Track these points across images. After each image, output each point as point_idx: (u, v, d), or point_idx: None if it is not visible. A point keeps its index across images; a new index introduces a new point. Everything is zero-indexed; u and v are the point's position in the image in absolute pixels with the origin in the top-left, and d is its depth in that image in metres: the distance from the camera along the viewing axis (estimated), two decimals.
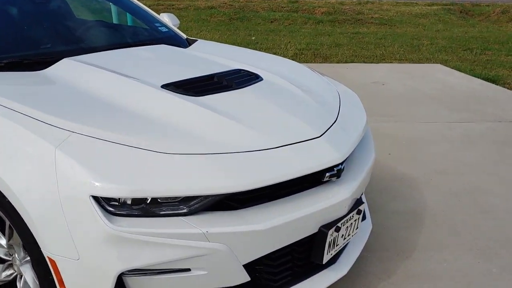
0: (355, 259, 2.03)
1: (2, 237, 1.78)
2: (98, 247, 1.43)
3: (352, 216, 1.89)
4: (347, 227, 1.89)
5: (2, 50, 2.26)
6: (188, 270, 1.54)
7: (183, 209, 1.52)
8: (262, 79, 2.22)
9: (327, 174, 1.79)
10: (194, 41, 3.02)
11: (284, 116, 1.91)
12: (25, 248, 1.66)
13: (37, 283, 1.63)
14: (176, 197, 1.52)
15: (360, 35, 9.68)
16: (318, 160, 1.74)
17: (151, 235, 1.45)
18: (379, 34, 9.78)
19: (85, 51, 2.38)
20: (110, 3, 3.31)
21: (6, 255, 1.81)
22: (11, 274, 1.83)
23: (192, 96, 1.90)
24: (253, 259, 1.62)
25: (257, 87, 2.11)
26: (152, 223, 1.47)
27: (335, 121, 2.01)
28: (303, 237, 1.72)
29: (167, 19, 3.27)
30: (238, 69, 2.30)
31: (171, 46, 2.66)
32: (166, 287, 1.55)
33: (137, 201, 1.49)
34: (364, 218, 2.32)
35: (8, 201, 1.56)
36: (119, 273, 1.45)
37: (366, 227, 2.27)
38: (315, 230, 1.75)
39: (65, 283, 1.49)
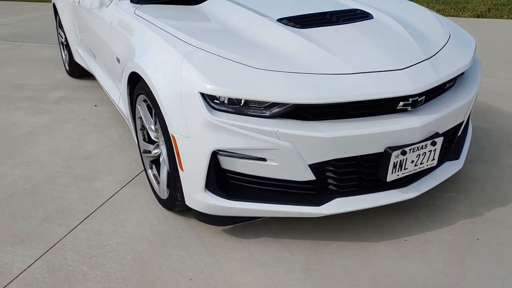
0: (426, 189, 2.21)
1: (153, 123, 2.48)
2: (200, 130, 1.97)
3: (425, 146, 2.08)
4: (419, 155, 2.08)
5: None
6: (264, 159, 1.99)
7: (266, 112, 1.95)
8: (371, 18, 2.46)
9: (401, 103, 2.01)
10: None
11: (373, 49, 2.15)
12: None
13: (168, 156, 2.27)
14: (262, 102, 1.95)
15: None
16: (391, 88, 1.97)
17: (237, 126, 1.92)
18: None
19: None
20: None
21: (155, 137, 2.51)
22: (157, 152, 2.54)
23: (298, 28, 2.28)
24: (317, 161, 1.98)
25: (361, 24, 2.37)
26: (240, 119, 1.94)
27: (427, 59, 2.17)
28: (367, 153, 2.00)
29: None
30: (354, 9, 2.58)
31: None
32: (247, 170, 2.03)
33: (232, 101, 1.97)
34: (457, 157, 2.43)
35: (153, 95, 2.21)
36: (212, 150, 1.97)
37: (453, 165, 2.39)
38: (381, 149, 2.01)
39: (180, 154, 2.09)
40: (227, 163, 2.04)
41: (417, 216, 2.39)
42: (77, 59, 4.38)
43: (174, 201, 2.31)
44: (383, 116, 2.04)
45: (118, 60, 2.76)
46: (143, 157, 2.70)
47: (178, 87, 2.03)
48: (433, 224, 2.34)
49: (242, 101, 1.96)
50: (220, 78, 1.96)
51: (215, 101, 1.97)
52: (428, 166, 2.17)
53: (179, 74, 2.04)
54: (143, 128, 2.64)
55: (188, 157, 2.06)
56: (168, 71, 2.11)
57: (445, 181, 2.67)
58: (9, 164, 3.09)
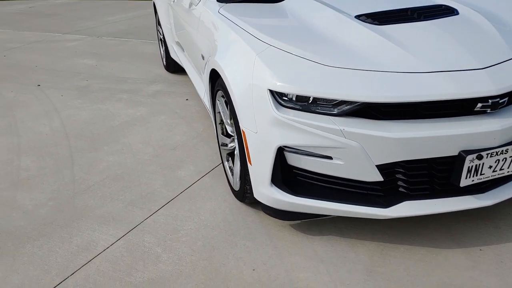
0: (506, 197, 2.04)
1: (229, 118, 2.58)
2: (267, 126, 2.03)
3: (506, 151, 1.94)
4: (498, 160, 1.95)
5: None
6: (330, 158, 1.99)
7: (334, 110, 1.95)
8: (456, 14, 2.34)
9: (479, 105, 1.90)
10: None
11: (453, 47, 2.04)
12: None
13: (239, 150, 2.35)
14: (331, 100, 1.95)
15: None
16: (469, 88, 1.87)
17: (303, 124, 1.94)
18: None
19: None
20: None
21: (231, 132, 2.61)
22: (233, 146, 2.64)
23: (375, 25, 2.24)
24: (385, 162, 1.93)
25: (444, 21, 2.26)
26: (306, 116, 1.96)
27: None
28: (440, 156, 1.92)
29: None
30: (439, 5, 2.46)
31: None
32: (313, 167, 2.05)
33: (301, 99, 1.99)
34: None
35: (227, 89, 2.30)
36: (278, 146, 2.02)
37: None
38: (455, 153, 1.92)
39: (249, 149, 2.16)
40: (293, 160, 2.08)
41: (498, 226, 2.24)
42: (172, 55, 4.66)
43: (245, 193, 2.40)
44: (459, 117, 1.94)
45: (203, 57, 2.90)
46: (221, 150, 2.82)
47: (249, 84, 2.11)
48: None
49: (311, 99, 1.98)
50: (289, 75, 2.00)
51: (284, 98, 2.01)
52: (510, 173, 2.02)
53: (251, 71, 2.11)
54: (222, 122, 2.76)
55: (256, 151, 2.12)
56: (242, 68, 2.19)
57: None
58: (106, 151, 3.40)
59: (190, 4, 3.34)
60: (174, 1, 4.03)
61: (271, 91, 2.02)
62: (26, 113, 4.23)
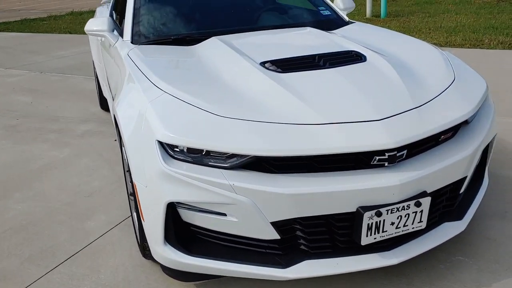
0: (413, 255, 1.94)
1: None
2: (157, 180, 1.87)
3: (408, 207, 1.83)
4: (400, 216, 1.84)
5: (173, 29, 2.91)
6: (224, 215, 1.84)
7: (226, 163, 1.81)
8: (364, 61, 2.26)
9: (376, 158, 1.80)
10: (351, 23, 3.14)
11: (352, 97, 1.95)
12: None
13: (134, 203, 2.17)
14: (223, 153, 1.82)
15: None
16: (363, 141, 1.77)
17: (192, 178, 1.79)
18: None
19: (235, 31, 2.83)
20: None
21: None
22: None
23: (277, 72, 2.14)
24: (280, 219, 1.79)
25: (349, 68, 2.18)
26: (196, 170, 1.81)
27: (415, 108, 1.94)
28: (336, 212, 1.80)
29: (340, 2, 3.43)
30: (349, 51, 2.39)
31: (314, 29, 2.86)
32: (208, 224, 1.89)
33: (193, 151, 1.85)
34: (460, 217, 2.14)
35: (121, 138, 2.14)
36: (168, 202, 1.85)
37: (454, 227, 2.09)
38: (353, 209, 1.80)
39: (140, 204, 1.99)
40: (187, 216, 1.92)
41: (411, 282, 2.11)
42: (104, 93, 4.49)
43: (145, 250, 2.21)
44: (356, 171, 1.83)
45: (113, 99, 2.75)
46: (129, 199, 2.64)
47: (140, 133, 1.96)
48: None
49: (204, 151, 1.84)
50: (179, 125, 1.86)
51: (175, 149, 1.87)
52: (415, 229, 1.91)
53: (143, 120, 1.97)
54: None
55: (147, 207, 1.95)
56: (134, 116, 2.04)
57: (455, 242, 2.36)
58: (16, 198, 3.15)
59: (109, 45, 3.20)
60: (102, 40, 3.89)
61: (160, 143, 1.87)
62: None
